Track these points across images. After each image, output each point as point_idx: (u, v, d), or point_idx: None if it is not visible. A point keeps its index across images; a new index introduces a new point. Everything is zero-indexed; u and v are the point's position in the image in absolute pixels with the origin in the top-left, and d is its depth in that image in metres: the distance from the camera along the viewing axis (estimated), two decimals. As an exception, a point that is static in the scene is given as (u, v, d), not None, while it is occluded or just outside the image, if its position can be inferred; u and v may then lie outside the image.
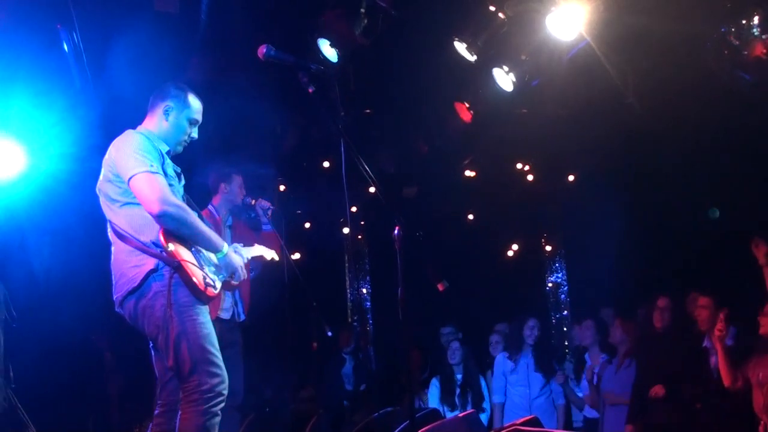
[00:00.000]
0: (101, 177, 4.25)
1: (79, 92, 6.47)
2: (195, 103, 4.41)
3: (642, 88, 7.30)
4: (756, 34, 6.02)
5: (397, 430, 5.74)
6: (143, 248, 4.03)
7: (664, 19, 6.15)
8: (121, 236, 4.11)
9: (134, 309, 4.07)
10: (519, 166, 10.59)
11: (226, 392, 4.05)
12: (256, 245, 5.31)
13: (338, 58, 6.89)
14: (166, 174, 4.15)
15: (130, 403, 8.12)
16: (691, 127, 7.67)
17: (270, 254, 5.21)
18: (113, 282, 4.18)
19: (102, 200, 4.25)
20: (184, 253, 4.05)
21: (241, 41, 6.72)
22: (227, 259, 4.31)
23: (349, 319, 12.12)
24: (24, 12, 6.02)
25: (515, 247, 12.04)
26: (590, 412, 7.88)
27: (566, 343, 11.13)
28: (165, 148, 4.29)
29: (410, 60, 7.68)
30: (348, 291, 12.40)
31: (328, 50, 6.87)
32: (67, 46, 6.23)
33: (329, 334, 6.15)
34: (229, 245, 4.42)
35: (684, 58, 6.73)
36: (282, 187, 10.10)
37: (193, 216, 4.13)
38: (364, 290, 12.45)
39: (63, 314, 7.26)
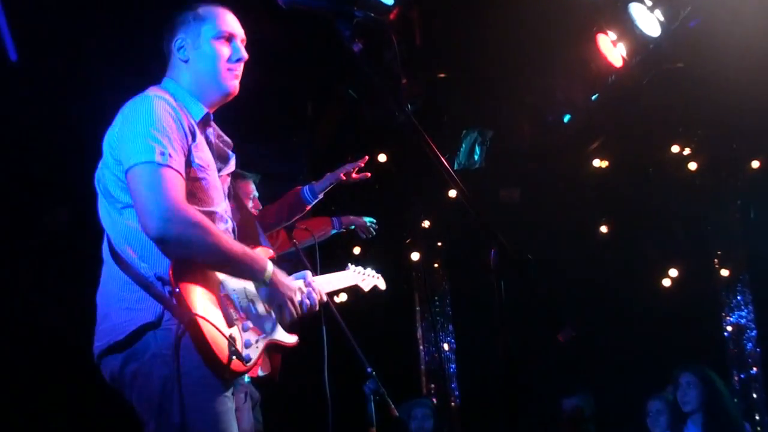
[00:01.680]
0: (102, 160, 4.15)
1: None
2: (211, 12, 4.38)
3: None
4: None
5: None
6: (145, 283, 3.89)
7: None
8: (116, 256, 4.00)
9: (119, 372, 3.96)
10: (675, 149, 10.50)
11: None
12: (351, 269, 5.39)
13: (395, 0, 6.94)
14: (191, 162, 4.06)
15: None
16: None
17: (367, 283, 5.26)
18: (96, 321, 4.07)
19: (100, 198, 4.15)
20: (201, 301, 3.90)
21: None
22: (273, 287, 4.18)
23: (424, 390, 12.12)
24: None
25: (674, 272, 11.91)
26: None
27: (757, 418, 10.97)
28: (201, 111, 4.25)
29: (503, -1, 7.69)
30: (421, 348, 12.39)
31: (381, -13, 6.92)
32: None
33: (396, 414, 6.15)
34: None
35: None
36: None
37: (213, 235, 3.95)
38: (446, 346, 12.42)
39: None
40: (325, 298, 4.57)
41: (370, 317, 9.89)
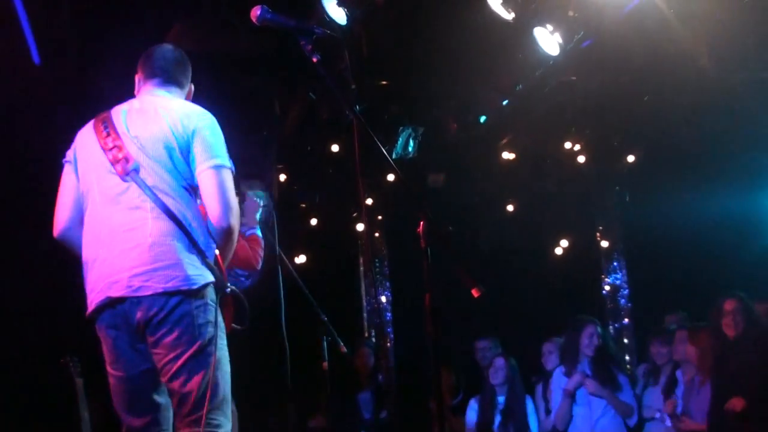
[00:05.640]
0: (171, 131, 4.06)
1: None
2: None
3: (718, 49, 7.22)
4: None
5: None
6: (200, 251, 4.03)
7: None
8: (179, 222, 3.99)
9: (168, 311, 3.95)
10: (568, 145, 10.54)
11: None
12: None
13: (348, 20, 6.87)
14: None
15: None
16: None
17: None
18: (144, 260, 4.04)
19: (158, 162, 4.03)
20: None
21: (231, 3, 6.72)
22: None
23: (366, 334, 12.11)
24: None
25: (564, 243, 11.99)
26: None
27: (627, 358, 11.09)
28: None
29: (434, 21, 7.64)
30: (364, 300, 12.38)
31: (335, 10, 6.84)
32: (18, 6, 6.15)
33: (345, 350, 6.15)
34: None
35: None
36: (282, 177, 10.09)
37: None
38: (384, 299, 12.42)
39: (20, 327, 7.26)
40: None
41: (324, 274, 9.89)
